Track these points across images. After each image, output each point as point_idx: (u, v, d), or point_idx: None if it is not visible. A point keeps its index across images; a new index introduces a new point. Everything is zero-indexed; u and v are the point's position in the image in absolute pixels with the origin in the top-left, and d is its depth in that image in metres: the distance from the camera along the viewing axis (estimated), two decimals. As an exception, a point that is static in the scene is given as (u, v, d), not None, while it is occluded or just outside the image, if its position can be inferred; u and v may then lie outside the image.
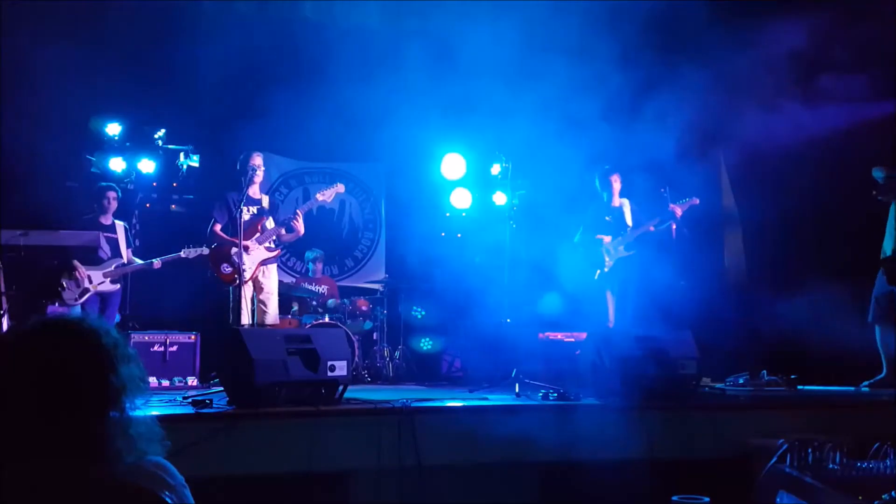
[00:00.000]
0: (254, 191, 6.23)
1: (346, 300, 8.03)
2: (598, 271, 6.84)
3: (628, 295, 6.76)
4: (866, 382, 6.04)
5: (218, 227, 6.24)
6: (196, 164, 7.61)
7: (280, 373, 4.26)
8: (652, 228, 6.71)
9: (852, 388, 5.98)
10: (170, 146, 7.72)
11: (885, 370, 6.08)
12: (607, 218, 6.90)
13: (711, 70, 6.42)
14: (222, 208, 6.24)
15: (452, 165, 8.70)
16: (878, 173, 6.07)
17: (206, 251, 6.35)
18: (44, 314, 5.72)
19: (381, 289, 8.33)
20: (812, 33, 6.27)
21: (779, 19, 6.47)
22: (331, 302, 7.84)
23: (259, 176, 6.18)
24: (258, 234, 6.18)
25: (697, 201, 6.69)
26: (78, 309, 6.20)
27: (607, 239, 6.81)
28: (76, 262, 6.24)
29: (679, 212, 6.59)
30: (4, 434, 1.40)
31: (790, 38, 6.45)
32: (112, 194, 6.65)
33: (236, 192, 6.15)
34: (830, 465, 3.63)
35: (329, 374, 4.40)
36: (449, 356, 8.24)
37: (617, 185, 6.89)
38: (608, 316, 6.77)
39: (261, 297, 6.26)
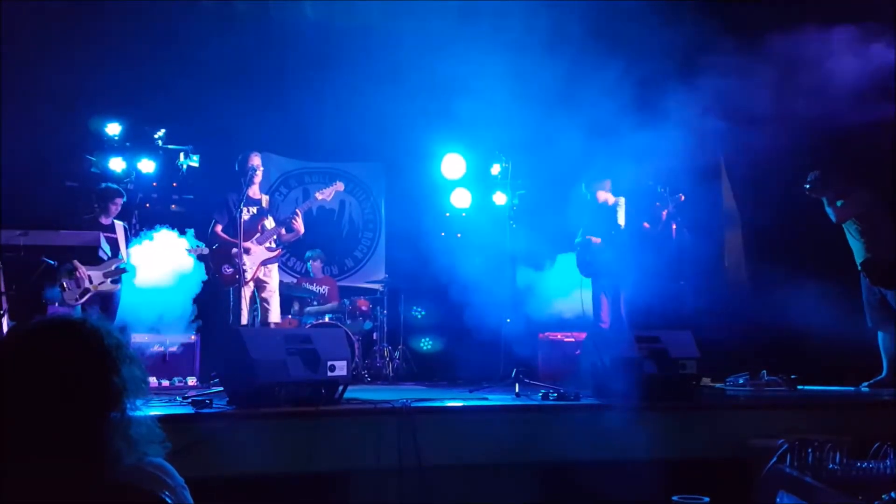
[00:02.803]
0: (253, 191, 6.22)
1: (346, 300, 8.03)
2: (591, 272, 6.83)
3: (623, 296, 6.73)
4: (866, 382, 6.05)
5: (219, 228, 6.23)
6: (196, 164, 7.61)
7: (280, 373, 4.26)
8: (647, 225, 6.69)
9: (852, 388, 5.99)
10: (170, 146, 7.72)
11: (885, 371, 6.09)
12: (603, 218, 6.87)
13: (712, 69, 6.41)
14: (223, 209, 6.23)
15: (452, 165, 8.69)
16: (808, 178, 6.38)
17: (205, 251, 6.35)
18: (44, 314, 5.73)
19: (381, 289, 8.33)
20: (813, 33, 6.28)
21: (779, 21, 6.48)
22: (329, 307, 7.83)
23: (258, 176, 6.17)
24: (258, 235, 6.17)
25: (683, 197, 6.69)
26: (79, 309, 6.19)
27: (597, 240, 6.78)
28: (76, 262, 6.23)
29: (664, 213, 6.56)
30: (5, 433, 1.40)
31: (790, 40, 6.46)
32: (119, 200, 6.62)
33: (236, 192, 6.14)
34: (830, 466, 3.62)
35: (329, 374, 4.40)
36: (448, 356, 8.24)
37: (603, 194, 6.82)
38: (601, 317, 6.75)
39: (263, 294, 6.25)
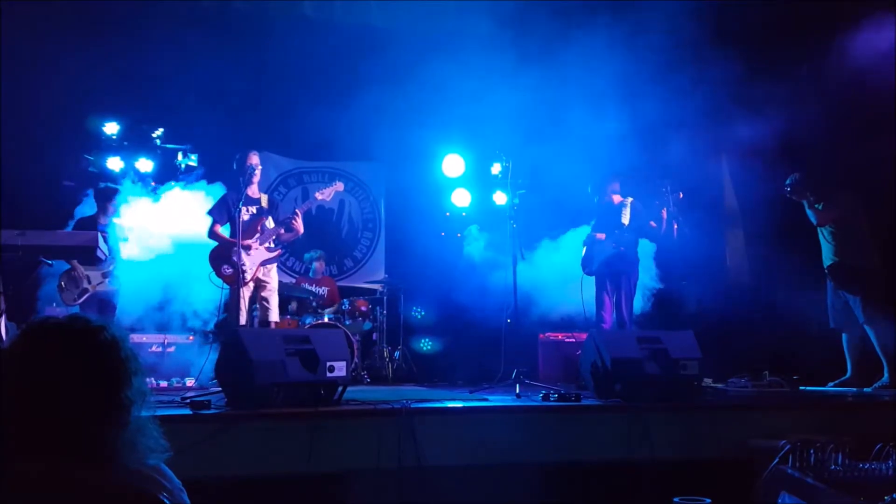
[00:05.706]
0: (252, 190, 6.18)
1: (345, 300, 8.00)
2: (595, 271, 6.81)
3: (626, 295, 6.71)
4: (832, 382, 6.14)
5: (218, 228, 6.19)
6: (195, 164, 7.59)
7: (279, 374, 4.23)
8: (654, 224, 6.68)
9: (854, 389, 5.97)
10: (168, 145, 7.70)
11: (849, 372, 6.15)
12: (608, 217, 6.86)
13: (715, 70, 6.40)
14: (221, 208, 6.19)
15: (452, 165, 8.69)
16: (788, 181, 6.40)
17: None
18: (42, 315, 5.70)
19: (380, 289, 8.30)
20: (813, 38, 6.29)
21: (781, 26, 6.48)
22: (328, 312, 7.80)
23: (257, 175, 6.13)
24: (258, 235, 6.13)
25: (682, 195, 6.69)
26: (77, 309, 6.17)
27: (601, 236, 6.77)
28: (74, 263, 6.20)
29: (665, 212, 6.55)
30: (14, 434, 1.42)
31: (793, 44, 6.46)
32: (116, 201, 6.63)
33: (235, 191, 6.11)
34: (832, 467, 3.61)
35: (328, 374, 4.37)
36: (448, 357, 8.22)
37: (614, 196, 6.85)
38: (603, 317, 6.73)
39: (263, 294, 6.20)
